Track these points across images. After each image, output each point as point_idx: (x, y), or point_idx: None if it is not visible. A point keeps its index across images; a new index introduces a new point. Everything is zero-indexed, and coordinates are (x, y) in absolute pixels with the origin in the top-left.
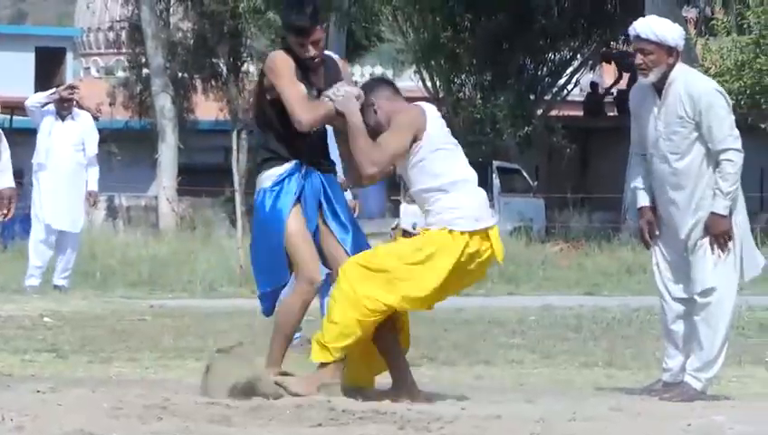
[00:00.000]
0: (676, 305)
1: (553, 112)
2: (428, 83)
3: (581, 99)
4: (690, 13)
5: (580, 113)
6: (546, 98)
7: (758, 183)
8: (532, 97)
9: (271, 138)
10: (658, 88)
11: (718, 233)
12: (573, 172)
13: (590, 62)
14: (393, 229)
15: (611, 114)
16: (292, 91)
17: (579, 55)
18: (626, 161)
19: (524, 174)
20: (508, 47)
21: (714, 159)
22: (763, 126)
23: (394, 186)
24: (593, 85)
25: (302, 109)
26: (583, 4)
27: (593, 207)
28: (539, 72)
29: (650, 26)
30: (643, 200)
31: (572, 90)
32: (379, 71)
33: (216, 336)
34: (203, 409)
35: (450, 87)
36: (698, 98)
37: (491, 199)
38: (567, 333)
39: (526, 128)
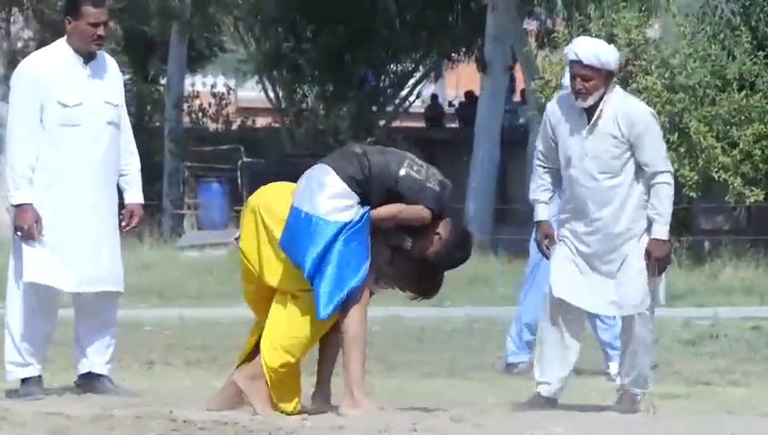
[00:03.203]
0: (574, 320)
1: (396, 123)
2: (271, 94)
3: (423, 110)
4: (531, 25)
5: (422, 124)
6: (388, 109)
7: None
8: (374, 108)
9: None
10: (588, 108)
11: (659, 257)
12: None
13: (432, 73)
14: (236, 240)
15: (452, 126)
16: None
17: (421, 67)
18: (467, 173)
19: None
20: (350, 58)
21: (647, 181)
22: None
23: (236, 196)
24: (434, 97)
25: None
26: (425, 16)
27: None
28: (381, 84)
29: (593, 51)
30: (542, 215)
31: (414, 101)
32: (221, 81)
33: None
34: (42, 419)
35: (292, 98)
36: (636, 120)
37: None
38: (411, 343)
39: (368, 139)
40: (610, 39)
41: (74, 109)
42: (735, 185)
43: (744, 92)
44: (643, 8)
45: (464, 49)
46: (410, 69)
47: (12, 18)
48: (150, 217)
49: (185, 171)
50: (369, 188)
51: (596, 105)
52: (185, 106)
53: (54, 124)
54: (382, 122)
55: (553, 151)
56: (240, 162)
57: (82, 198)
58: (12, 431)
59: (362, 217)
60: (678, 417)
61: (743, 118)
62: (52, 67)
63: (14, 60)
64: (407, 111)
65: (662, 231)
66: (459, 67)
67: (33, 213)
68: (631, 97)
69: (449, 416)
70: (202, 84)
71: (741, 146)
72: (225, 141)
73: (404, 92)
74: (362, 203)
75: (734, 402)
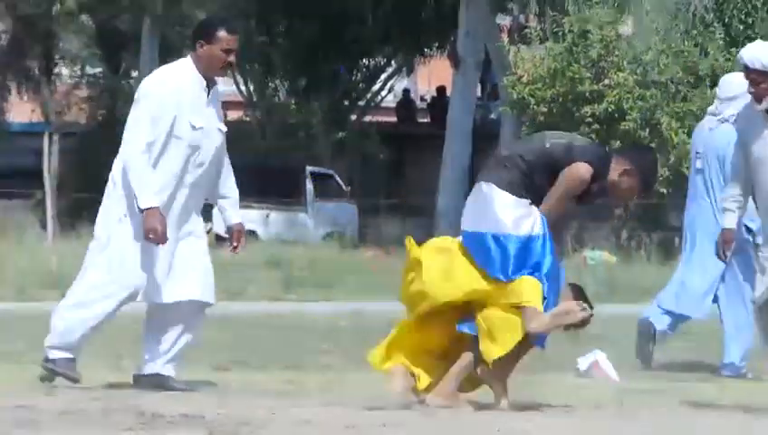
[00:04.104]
0: None
1: (367, 118)
2: (243, 88)
3: (395, 105)
4: (504, 21)
5: (394, 119)
6: (360, 104)
7: None
8: (346, 103)
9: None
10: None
11: None
12: (387, 178)
13: (405, 68)
14: (206, 233)
15: (424, 121)
16: None
17: (393, 62)
18: (438, 168)
19: (338, 179)
20: (322, 53)
21: None
22: (575, 134)
23: None
24: (406, 92)
25: None
26: (397, 11)
27: (407, 213)
28: (353, 78)
29: (756, 55)
30: (729, 223)
31: (386, 96)
32: None
33: (28, 339)
34: (9, 413)
35: (264, 92)
36: None
37: (304, 205)
38: (378, 338)
39: (340, 133)
40: (583, 35)
41: (198, 132)
42: None
43: (715, 89)
44: (616, 5)
45: (436, 44)
46: (382, 64)
47: None
48: None
49: None
50: (532, 179)
51: None
52: None
53: (182, 144)
54: (354, 117)
55: (745, 160)
56: None
57: (184, 216)
58: None
59: (543, 222)
60: (647, 412)
61: None
62: (183, 87)
63: None
64: (379, 106)
65: None
66: (431, 62)
67: (162, 217)
68: None
69: (418, 412)
70: None
71: None
72: None
73: (376, 87)
74: (534, 201)
75: (705, 398)
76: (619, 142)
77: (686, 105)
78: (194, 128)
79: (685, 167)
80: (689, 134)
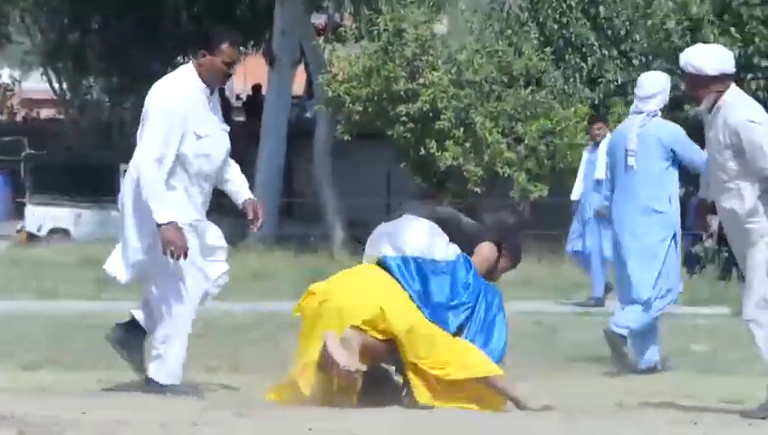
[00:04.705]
0: None
1: None
2: (56, 85)
3: None
4: (319, 19)
5: None
6: None
7: (385, 188)
8: None
9: None
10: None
11: None
12: None
13: None
14: (18, 232)
15: (239, 119)
16: None
17: None
18: (253, 166)
19: None
20: (136, 51)
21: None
22: (390, 132)
23: (18, 187)
24: (221, 90)
25: None
26: (213, 8)
27: (222, 210)
28: None
29: (689, 59)
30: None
31: None
32: (6, 72)
33: None
34: None
35: (78, 89)
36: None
37: (117, 202)
38: (192, 338)
39: None
40: (398, 34)
41: (205, 139)
42: (520, 180)
43: (529, 88)
44: (431, 4)
45: (252, 42)
46: None
47: None
48: None
49: None
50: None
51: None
52: None
53: (189, 154)
54: None
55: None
56: (23, 154)
57: (200, 220)
58: None
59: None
60: (459, 413)
61: (528, 114)
62: (188, 98)
63: None
64: None
65: None
66: (247, 60)
67: (179, 231)
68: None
69: (232, 411)
70: None
71: (526, 142)
72: (9, 133)
73: None
74: None
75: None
76: (434, 141)
77: (500, 105)
78: (199, 137)
79: (498, 166)
80: (503, 133)
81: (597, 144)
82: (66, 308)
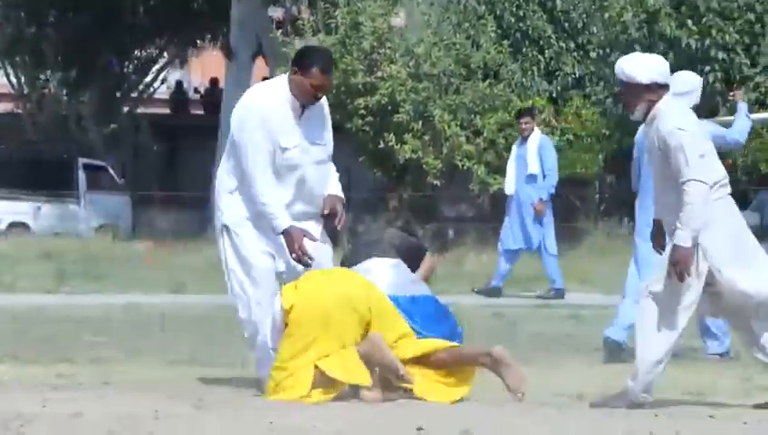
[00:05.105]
0: None
1: (140, 110)
2: (12, 79)
3: (168, 97)
4: (277, 12)
5: (167, 111)
6: (133, 95)
7: (345, 182)
8: (118, 94)
9: None
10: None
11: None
12: (161, 170)
13: (177, 60)
14: None
15: (197, 113)
16: None
17: (165, 53)
18: (212, 160)
19: (111, 171)
20: (94, 44)
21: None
22: (348, 126)
23: None
24: (179, 84)
25: None
26: (169, 3)
27: (181, 205)
28: (125, 70)
29: (621, 67)
30: None
31: (159, 87)
32: None
33: None
34: None
35: (35, 83)
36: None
37: (76, 197)
38: (153, 331)
39: (112, 125)
40: (355, 27)
41: (293, 150)
42: (479, 173)
43: (488, 81)
44: None
45: (209, 36)
46: (155, 55)
47: None
48: None
49: None
50: None
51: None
52: None
53: (280, 165)
54: (126, 109)
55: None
56: None
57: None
58: None
59: None
60: (417, 406)
61: (486, 106)
62: (276, 110)
63: None
64: (152, 98)
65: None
66: (204, 54)
67: (300, 231)
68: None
69: (192, 403)
70: None
71: (485, 134)
72: None
73: (148, 79)
74: None
75: (477, 391)
76: (392, 134)
77: (458, 98)
78: (285, 149)
79: (457, 159)
80: (462, 126)
81: (525, 138)
82: (25, 302)
